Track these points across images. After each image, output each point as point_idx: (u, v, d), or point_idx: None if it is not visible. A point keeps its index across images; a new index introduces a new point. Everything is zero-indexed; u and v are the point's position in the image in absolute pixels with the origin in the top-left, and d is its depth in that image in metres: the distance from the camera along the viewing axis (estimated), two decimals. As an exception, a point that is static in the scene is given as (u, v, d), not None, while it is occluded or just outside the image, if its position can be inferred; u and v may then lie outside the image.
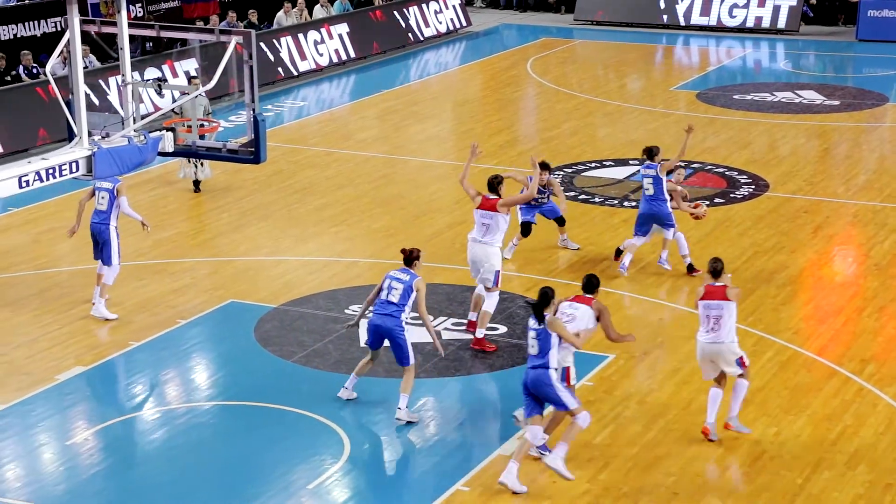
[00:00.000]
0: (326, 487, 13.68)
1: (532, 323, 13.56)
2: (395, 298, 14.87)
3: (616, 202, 23.25)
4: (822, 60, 36.71)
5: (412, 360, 14.88)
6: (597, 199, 23.34)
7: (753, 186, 24.04)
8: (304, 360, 16.65)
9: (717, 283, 14.31)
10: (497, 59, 36.95)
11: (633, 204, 22.93)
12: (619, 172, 25.11)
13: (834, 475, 13.74)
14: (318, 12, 36.49)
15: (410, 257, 15.14)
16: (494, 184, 17.07)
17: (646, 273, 19.77)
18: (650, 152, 19.57)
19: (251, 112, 14.15)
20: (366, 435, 14.98)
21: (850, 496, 13.35)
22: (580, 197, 23.48)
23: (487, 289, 16.92)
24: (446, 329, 17.61)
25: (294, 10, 35.67)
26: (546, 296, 13.55)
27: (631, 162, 25.50)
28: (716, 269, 14.41)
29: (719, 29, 39.98)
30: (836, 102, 30.77)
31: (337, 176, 24.89)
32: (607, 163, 25.62)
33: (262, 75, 26.69)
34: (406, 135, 28.77)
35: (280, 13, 35.44)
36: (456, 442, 14.69)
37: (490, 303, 16.87)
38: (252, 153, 14.34)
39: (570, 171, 25.06)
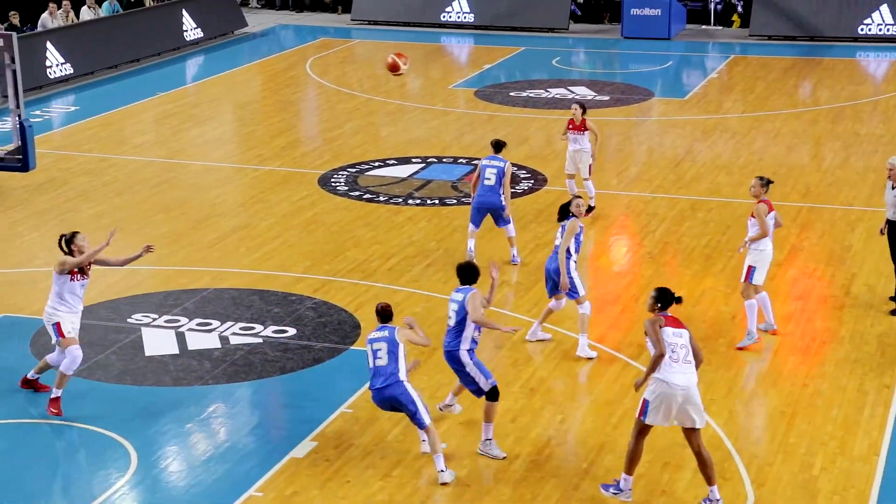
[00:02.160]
0: (113, 502, 13.33)
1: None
2: (384, 362, 13.79)
3: (400, 200, 23.33)
4: (591, 57, 37.48)
5: (428, 422, 13.63)
6: (381, 198, 23.38)
7: (532, 181, 24.44)
8: (86, 372, 16.14)
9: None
10: (275, 59, 36.83)
11: (418, 202, 23.09)
12: (403, 171, 25.23)
13: (616, 457, 13.97)
14: (86, 14, 35.73)
15: (385, 314, 14.13)
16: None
17: (429, 271, 19.90)
18: (498, 146, 20.19)
19: (17, 118, 13.80)
20: (154, 446, 14.57)
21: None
22: (364, 196, 23.50)
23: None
24: (234, 334, 17.43)
25: (60, 11, 34.78)
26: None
27: (413, 160, 25.66)
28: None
29: (495, 28, 40.49)
30: (606, 98, 31.46)
31: (114, 182, 24.39)
32: (390, 161, 25.72)
33: (28, 80, 25.93)
34: (185, 138, 28.39)
35: (45, 15, 34.56)
36: (248, 447, 14.51)
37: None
38: (20, 160, 14.04)
39: (353, 170, 25.06)
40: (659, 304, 13.26)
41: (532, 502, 13.23)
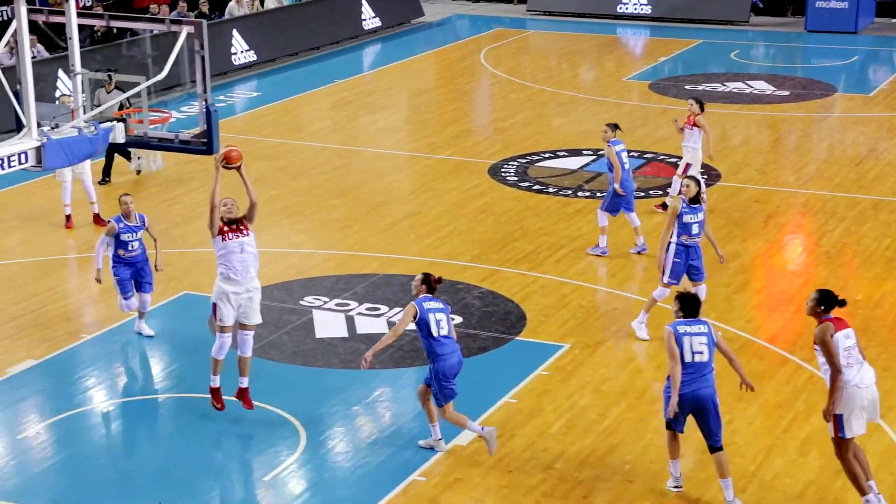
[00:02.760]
0: (283, 479, 13.61)
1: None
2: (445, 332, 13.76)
3: (570, 192, 23.20)
4: (771, 51, 36.88)
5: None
6: (551, 190, 23.28)
7: (705, 176, 24.04)
8: (259, 351, 16.36)
9: None
10: (450, 49, 36.94)
11: (587, 194, 22.95)
12: (573, 163, 25.08)
13: (786, 461, 13.77)
14: (270, 2, 36.31)
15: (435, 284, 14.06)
16: None
17: (597, 263, 19.76)
18: (617, 127, 20.32)
19: (203, 103, 13.96)
20: (322, 426, 14.81)
21: (802, 482, 13.38)
22: (534, 187, 23.43)
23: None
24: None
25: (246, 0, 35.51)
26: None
27: (584, 152, 25.51)
28: None
29: (672, 20, 40.09)
30: (786, 93, 30.89)
31: (290, 167, 24.76)
32: (561, 153, 25.59)
33: (215, 65, 26.42)
34: (360, 125, 28.64)
35: (232, 3, 35.27)
36: (412, 432, 14.55)
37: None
38: (205, 144, 14.16)
39: (524, 161, 25.01)
40: (822, 307, 12.69)
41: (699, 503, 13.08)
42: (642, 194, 22.75)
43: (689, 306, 13.12)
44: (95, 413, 15.31)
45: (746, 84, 31.89)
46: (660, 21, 40.23)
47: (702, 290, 16.97)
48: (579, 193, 23.14)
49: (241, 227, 14.68)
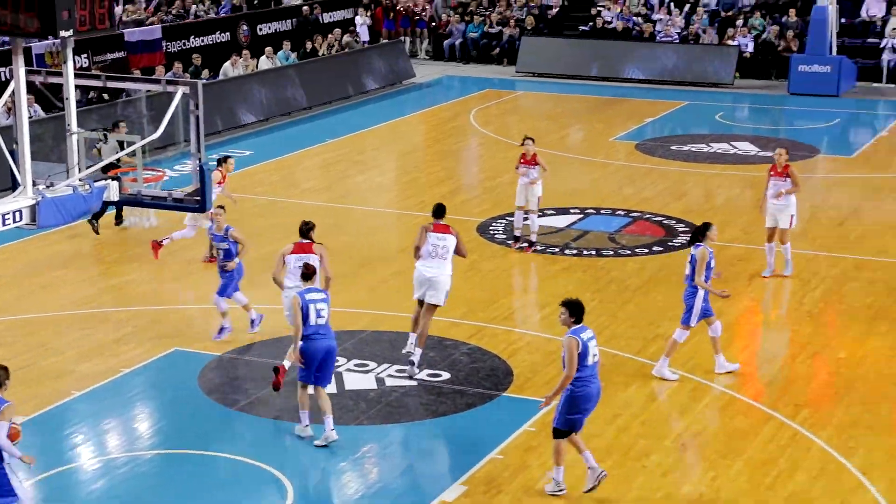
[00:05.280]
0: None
1: None
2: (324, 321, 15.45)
3: (557, 250, 23.28)
4: (755, 113, 37.10)
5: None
6: (538, 248, 23.32)
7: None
8: (247, 407, 16.50)
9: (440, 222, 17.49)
10: (440, 109, 37.16)
11: (574, 252, 23.03)
12: (560, 221, 25.15)
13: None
14: (264, 63, 36.49)
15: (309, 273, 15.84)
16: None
17: (584, 320, 19.73)
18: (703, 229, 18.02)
19: (197, 161, 14.02)
20: (310, 481, 14.87)
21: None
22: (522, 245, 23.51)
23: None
24: (390, 376, 17.56)
25: (241, 60, 35.65)
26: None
27: (571, 210, 25.60)
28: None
29: (659, 82, 40.37)
30: (770, 154, 30.90)
31: (283, 224, 24.71)
32: (549, 211, 25.63)
33: (208, 125, 26.60)
34: (351, 184, 28.70)
35: (227, 64, 35.41)
36: (399, 489, 14.62)
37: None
38: (198, 202, 14.22)
39: (511, 219, 25.09)
40: (573, 319, 14.23)
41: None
42: (629, 252, 22.87)
43: (578, 312, 14.29)
44: (84, 470, 15.23)
45: (731, 145, 32.05)
46: (647, 83, 40.44)
47: (718, 326, 17.57)
48: (566, 252, 23.21)
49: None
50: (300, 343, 15.14)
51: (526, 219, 23.04)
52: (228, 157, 23.69)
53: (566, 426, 14.15)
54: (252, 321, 18.92)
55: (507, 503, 14.08)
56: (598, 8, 43.47)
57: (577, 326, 14.24)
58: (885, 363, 18.39)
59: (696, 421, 16.30)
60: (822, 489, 14.50)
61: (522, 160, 23.15)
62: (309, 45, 38.89)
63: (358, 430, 15.93)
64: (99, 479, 15.07)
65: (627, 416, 16.32)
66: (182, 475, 15.00)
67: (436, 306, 17.57)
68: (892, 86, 39.32)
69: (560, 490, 14.20)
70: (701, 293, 17.19)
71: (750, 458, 15.35)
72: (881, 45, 39.66)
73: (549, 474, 14.40)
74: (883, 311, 20.36)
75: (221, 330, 18.73)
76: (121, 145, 17.61)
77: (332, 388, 17.00)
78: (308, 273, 15.70)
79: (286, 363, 16.55)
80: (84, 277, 19.48)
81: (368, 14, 42.93)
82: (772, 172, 21.85)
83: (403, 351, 17.72)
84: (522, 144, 23.50)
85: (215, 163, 22.45)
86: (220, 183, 22.22)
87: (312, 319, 15.15)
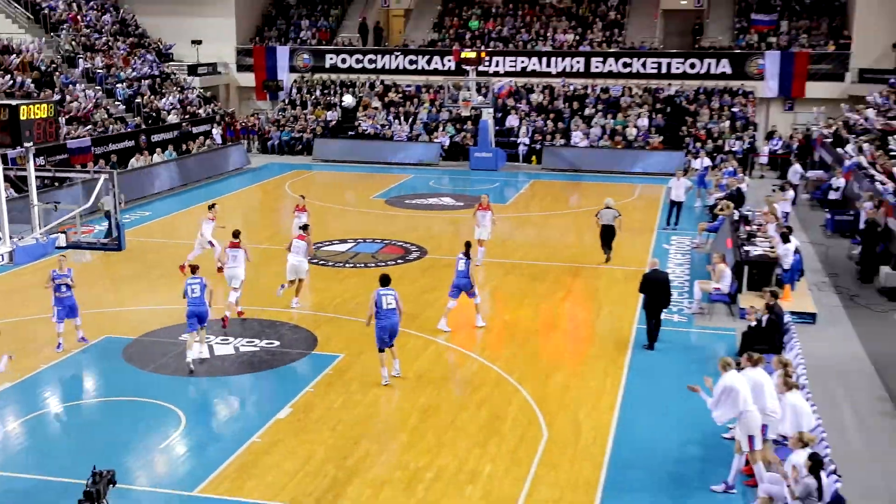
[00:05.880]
0: (171, 447, 13.31)
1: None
2: (198, 295, 16.41)
3: (341, 265, 23.43)
4: (452, 181, 37.58)
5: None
6: (329, 264, 23.48)
7: (419, 253, 24.80)
8: (155, 369, 16.23)
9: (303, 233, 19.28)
10: (267, 183, 36.56)
11: (351, 265, 23.19)
12: (342, 247, 25.25)
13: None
14: (157, 158, 35.45)
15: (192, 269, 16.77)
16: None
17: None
18: (385, 279, 15.78)
19: (115, 219, 14.13)
20: (198, 412, 14.56)
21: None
22: (320, 262, 23.50)
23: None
24: (242, 346, 17.41)
25: (142, 157, 34.69)
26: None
27: (348, 241, 25.75)
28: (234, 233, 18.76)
29: (395, 164, 40.83)
30: (462, 203, 31.81)
31: (173, 255, 24.17)
32: (334, 241, 25.77)
33: (121, 197, 25.75)
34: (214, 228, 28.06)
35: (132, 160, 34.35)
36: (252, 411, 14.51)
37: None
38: (117, 246, 14.43)
39: (314, 246, 25.11)
40: (381, 283, 15.40)
41: (420, 439, 13.49)
42: (384, 264, 23.15)
43: (383, 281, 15.42)
44: (41, 416, 14.61)
45: (439, 199, 32.77)
46: (390, 164, 40.81)
47: (477, 296, 18.44)
48: (346, 265, 23.37)
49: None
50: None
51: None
52: (215, 203, 23.28)
53: (379, 344, 15.23)
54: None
55: (317, 417, 14.14)
56: (359, 121, 43.88)
57: (381, 288, 15.29)
58: (530, 321, 19.03)
59: (426, 359, 16.75)
60: (499, 395, 15.02)
61: (297, 208, 23.51)
62: (185, 147, 38.05)
63: (224, 378, 15.84)
64: (52, 422, 14.50)
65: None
66: (110, 414, 14.51)
67: (302, 280, 19.59)
68: (525, 164, 40.55)
69: (385, 382, 15.24)
70: (461, 280, 18.05)
71: (458, 378, 15.79)
72: (517, 141, 41.08)
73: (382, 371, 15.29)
74: (527, 292, 21.10)
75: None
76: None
77: (205, 353, 16.81)
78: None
79: (227, 314, 18.22)
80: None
81: (220, 127, 42.31)
82: (479, 208, 22.93)
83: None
84: (303, 197, 24.26)
85: (209, 207, 22.84)
86: (212, 219, 22.24)
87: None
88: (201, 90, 45.27)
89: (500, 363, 16.47)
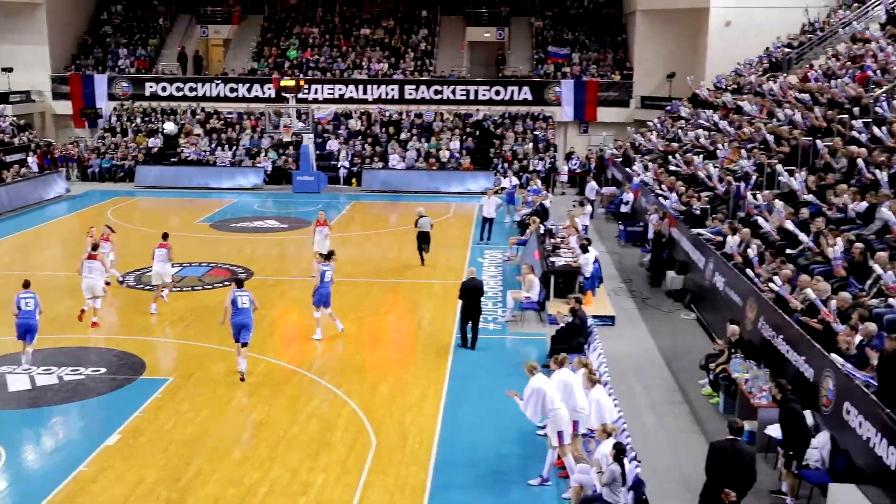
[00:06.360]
0: (-4, 479, 12.35)
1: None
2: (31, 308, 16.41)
3: (177, 289, 22.55)
4: (276, 204, 36.91)
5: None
6: (147, 287, 22.44)
7: (246, 274, 24.28)
8: (-26, 403, 14.96)
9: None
10: (89, 210, 34.64)
11: (178, 289, 22.38)
12: (173, 269, 24.25)
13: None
14: None
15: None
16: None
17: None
18: (240, 282, 16.78)
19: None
20: (19, 445, 13.50)
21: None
22: (147, 287, 22.58)
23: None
24: (66, 374, 16.43)
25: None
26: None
27: (174, 265, 24.79)
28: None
29: (214, 188, 39.83)
30: (286, 225, 31.54)
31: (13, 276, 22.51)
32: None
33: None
34: (37, 252, 26.34)
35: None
36: (78, 437, 13.72)
37: None
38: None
39: (138, 273, 24.10)
40: (235, 286, 16.40)
41: (252, 456, 13.17)
42: (210, 287, 22.45)
43: (237, 282, 16.60)
44: None
45: (264, 222, 32.22)
46: (219, 189, 39.78)
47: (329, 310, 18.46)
48: (174, 289, 22.45)
49: None
50: None
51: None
52: (168, 234, 22.14)
53: (235, 337, 15.97)
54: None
55: (147, 440, 13.54)
56: (181, 148, 42.48)
57: (237, 289, 16.22)
58: (356, 335, 18.76)
59: (258, 376, 16.40)
60: (328, 407, 14.87)
61: (102, 237, 22.24)
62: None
63: (48, 409, 14.83)
64: None
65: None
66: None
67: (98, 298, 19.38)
68: (346, 186, 40.54)
69: (242, 376, 15.87)
70: (327, 288, 18.21)
71: (288, 393, 15.49)
72: (338, 165, 40.95)
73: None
74: (353, 308, 20.63)
75: None
76: None
77: (26, 385, 15.79)
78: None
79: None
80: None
81: (36, 155, 39.75)
82: (316, 224, 23.74)
83: None
84: (109, 228, 23.07)
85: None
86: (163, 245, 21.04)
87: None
88: (14, 118, 42.43)
89: (328, 377, 16.34)
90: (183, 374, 16.38)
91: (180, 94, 45.28)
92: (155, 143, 42.81)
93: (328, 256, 19.20)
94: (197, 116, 44.39)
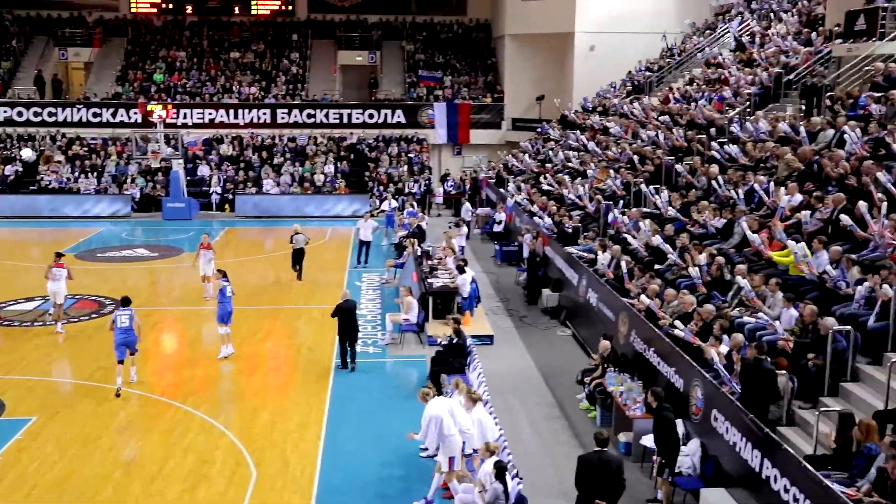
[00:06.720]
0: None
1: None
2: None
3: (29, 323, 21.47)
4: (146, 232, 35.69)
5: None
6: (16, 323, 21.40)
7: (114, 305, 23.26)
8: None
9: None
10: None
11: (41, 323, 21.35)
12: (29, 305, 23.18)
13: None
14: None
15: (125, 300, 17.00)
16: None
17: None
18: (125, 300, 17.06)
19: None
20: None
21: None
22: (5, 323, 21.40)
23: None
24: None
25: None
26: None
27: (35, 298, 23.65)
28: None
29: (79, 218, 38.19)
30: (156, 254, 30.57)
31: None
32: (20, 300, 23.57)
33: None
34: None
35: None
36: None
37: None
38: None
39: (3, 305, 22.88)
40: (120, 304, 16.85)
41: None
42: (76, 320, 21.56)
43: (124, 302, 16.84)
44: None
45: (133, 251, 31.16)
46: (83, 218, 38.07)
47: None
48: (35, 324, 21.41)
49: None
50: None
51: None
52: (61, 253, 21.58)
53: (118, 355, 16.39)
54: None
55: (8, 485, 12.75)
56: (41, 175, 40.51)
57: (120, 308, 16.75)
58: (233, 364, 18.42)
59: (128, 412, 15.78)
60: (205, 440, 14.49)
61: (202, 246, 23.71)
62: None
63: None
64: None
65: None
66: None
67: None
68: (219, 212, 39.77)
69: (118, 390, 16.23)
70: (225, 304, 18.48)
71: (163, 428, 14.97)
72: (210, 191, 40.13)
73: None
74: (233, 331, 19.84)
75: None
76: None
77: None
78: None
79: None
80: None
81: None
82: (201, 247, 24.04)
83: None
84: None
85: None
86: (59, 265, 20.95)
87: None
88: None
89: (204, 408, 15.87)
90: (47, 413, 15.55)
91: (38, 119, 43.29)
92: (12, 170, 40.69)
93: (224, 273, 19.28)
94: (58, 142, 42.50)
